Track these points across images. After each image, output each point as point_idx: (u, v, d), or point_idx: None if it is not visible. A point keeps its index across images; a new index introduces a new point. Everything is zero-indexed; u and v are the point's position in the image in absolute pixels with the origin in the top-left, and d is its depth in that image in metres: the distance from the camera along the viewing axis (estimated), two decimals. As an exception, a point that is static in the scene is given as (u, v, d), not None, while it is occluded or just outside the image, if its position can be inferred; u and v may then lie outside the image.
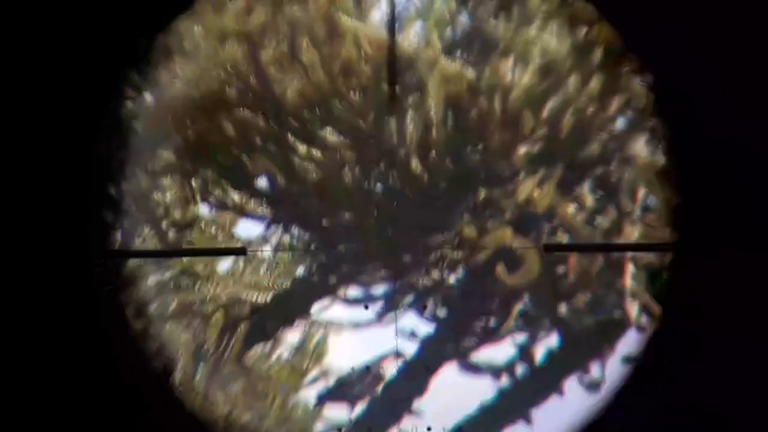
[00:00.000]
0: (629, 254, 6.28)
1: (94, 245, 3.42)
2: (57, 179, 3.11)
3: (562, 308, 7.37)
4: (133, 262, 7.85)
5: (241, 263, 8.50)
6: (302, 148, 6.86)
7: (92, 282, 3.19)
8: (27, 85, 3.08)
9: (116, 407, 3.04)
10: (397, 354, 7.75)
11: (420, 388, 7.73)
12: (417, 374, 7.78)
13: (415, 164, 6.44)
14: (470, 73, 6.30)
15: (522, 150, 6.22)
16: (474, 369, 7.31)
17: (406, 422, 7.85)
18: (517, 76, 6.15)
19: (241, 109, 6.81)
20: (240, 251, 7.64)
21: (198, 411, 6.22)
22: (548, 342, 7.72)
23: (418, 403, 7.87)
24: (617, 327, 7.15)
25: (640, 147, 5.86)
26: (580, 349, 7.43)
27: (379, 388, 7.88)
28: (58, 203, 3.04)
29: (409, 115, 6.25)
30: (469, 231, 6.51)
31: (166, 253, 7.64)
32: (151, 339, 6.18)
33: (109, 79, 3.32)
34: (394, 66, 4.72)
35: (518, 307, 7.30)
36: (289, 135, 6.81)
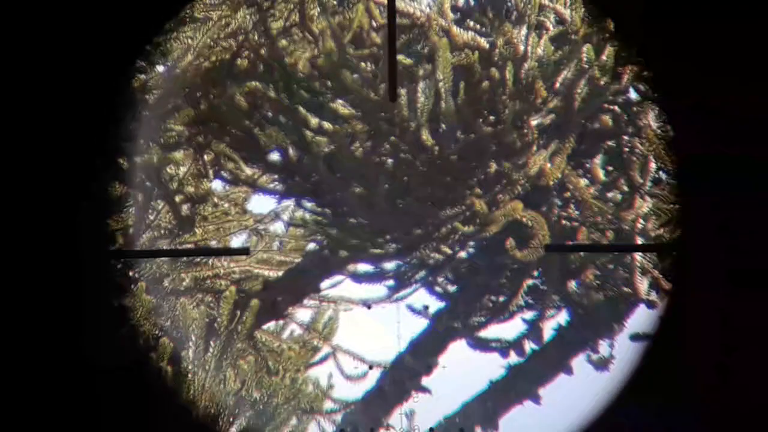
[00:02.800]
0: (639, 227, 6.23)
1: (96, 245, 3.41)
2: (58, 178, 3.13)
3: (571, 284, 7.34)
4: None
5: (254, 239, 8.52)
6: (313, 120, 6.84)
7: (92, 282, 3.19)
8: (36, 63, 3.10)
9: (116, 407, 3.05)
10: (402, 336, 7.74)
11: (427, 367, 7.71)
12: (424, 355, 7.76)
13: (426, 136, 6.40)
14: (483, 42, 6.26)
15: (534, 121, 6.17)
16: (483, 345, 7.29)
17: (414, 400, 7.84)
18: (530, 46, 6.10)
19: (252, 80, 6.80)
20: (242, 251, 7.65)
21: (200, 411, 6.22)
22: (557, 319, 7.69)
23: (426, 382, 7.87)
24: (626, 303, 7.10)
25: (652, 118, 5.80)
26: (589, 327, 7.39)
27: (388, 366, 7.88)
28: (59, 202, 3.06)
29: (420, 86, 6.22)
30: (480, 204, 6.47)
31: (167, 253, 7.62)
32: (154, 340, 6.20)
33: (122, 55, 3.32)
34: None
35: (528, 282, 7.26)
36: (300, 107, 6.79)
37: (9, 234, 3.08)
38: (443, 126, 6.18)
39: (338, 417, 7.82)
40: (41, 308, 3.11)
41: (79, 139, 3.27)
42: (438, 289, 7.81)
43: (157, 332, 7.68)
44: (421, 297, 7.88)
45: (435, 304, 7.83)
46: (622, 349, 7.40)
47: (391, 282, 7.61)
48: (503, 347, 7.16)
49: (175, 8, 4.10)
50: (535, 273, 7.37)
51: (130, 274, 7.67)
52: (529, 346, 7.30)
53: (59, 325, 3.13)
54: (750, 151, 3.11)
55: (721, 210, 3.15)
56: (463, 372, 7.73)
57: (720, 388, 3.11)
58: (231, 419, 7.05)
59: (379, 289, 7.76)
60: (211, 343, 7.27)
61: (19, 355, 3.05)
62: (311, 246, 8.12)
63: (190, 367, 6.98)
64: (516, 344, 7.15)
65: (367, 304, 7.89)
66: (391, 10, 5.56)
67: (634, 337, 6.81)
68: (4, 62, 3.09)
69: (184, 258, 8.30)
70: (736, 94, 3.20)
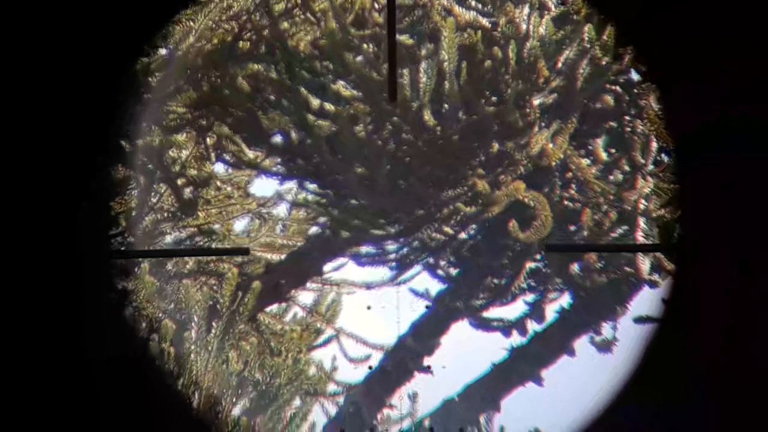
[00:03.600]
0: (641, 207, 6.22)
1: (96, 245, 3.41)
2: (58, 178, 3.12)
3: (574, 267, 7.34)
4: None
5: (257, 223, 8.53)
6: (315, 101, 6.83)
7: (92, 282, 3.19)
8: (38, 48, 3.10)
9: (115, 403, 3.05)
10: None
11: (429, 348, 7.72)
12: (426, 336, 7.77)
13: (428, 116, 6.40)
14: (485, 22, 6.24)
15: (536, 101, 6.15)
16: (485, 324, 7.29)
17: (416, 382, 7.86)
18: (532, 25, 6.09)
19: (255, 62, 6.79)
20: (243, 251, 7.65)
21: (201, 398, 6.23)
22: (559, 301, 7.69)
23: (429, 362, 7.87)
24: (629, 285, 7.10)
25: (653, 98, 5.79)
26: (592, 309, 7.39)
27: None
28: (60, 201, 3.05)
29: (423, 66, 6.21)
30: (483, 184, 6.47)
31: (168, 253, 7.62)
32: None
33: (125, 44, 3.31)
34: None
35: (530, 264, 7.26)
36: (302, 88, 6.79)
37: (8, 232, 3.09)
38: (445, 106, 6.17)
39: (341, 399, 7.84)
40: (40, 305, 3.11)
41: (80, 134, 3.26)
42: (440, 272, 7.82)
43: (160, 314, 7.71)
44: (423, 280, 7.89)
45: (437, 287, 7.84)
46: (625, 331, 7.40)
47: (393, 264, 7.62)
48: (505, 326, 7.17)
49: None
50: (538, 256, 7.38)
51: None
52: (531, 326, 7.31)
53: (58, 322, 3.13)
54: (752, 111, 3.08)
55: (725, 172, 3.13)
56: (465, 354, 7.74)
57: (727, 359, 3.10)
58: (234, 399, 7.08)
59: (381, 272, 7.76)
60: (214, 324, 7.29)
61: (18, 352, 3.06)
62: (314, 229, 8.13)
63: (192, 348, 7.00)
64: (518, 324, 7.16)
65: (368, 306, 7.90)
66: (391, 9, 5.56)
67: (639, 320, 6.81)
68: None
69: (188, 242, 8.32)
70: (735, 57, 3.18)
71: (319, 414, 7.62)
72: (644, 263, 6.42)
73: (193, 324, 7.34)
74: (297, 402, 7.52)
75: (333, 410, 7.66)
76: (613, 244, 6.99)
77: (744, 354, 2.98)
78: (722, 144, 3.10)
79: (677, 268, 3.41)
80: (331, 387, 7.91)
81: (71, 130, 3.14)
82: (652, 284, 6.64)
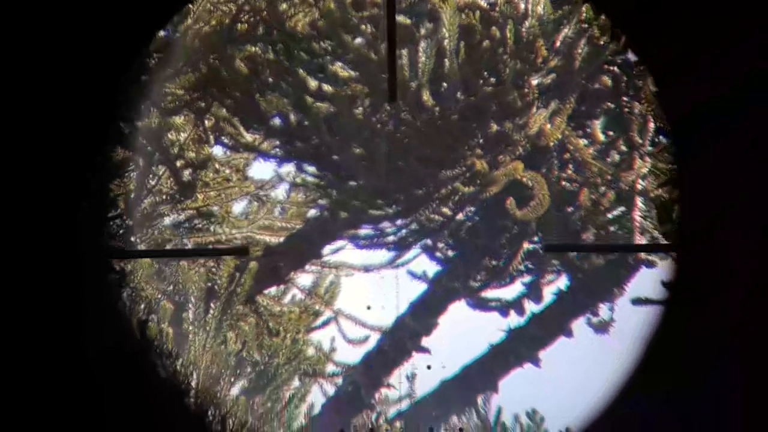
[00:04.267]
0: (639, 187, 6.25)
1: (96, 245, 3.41)
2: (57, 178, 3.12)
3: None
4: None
5: (255, 205, 8.55)
6: (313, 82, 6.84)
7: (92, 282, 3.20)
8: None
9: (118, 407, 3.06)
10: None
11: (427, 327, 7.75)
12: (424, 316, 7.80)
13: (427, 96, 6.41)
14: (482, 3, 6.25)
15: (535, 81, 6.16)
16: (482, 304, 7.32)
17: (415, 360, 7.89)
18: (530, 4, 6.09)
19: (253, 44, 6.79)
20: (243, 251, 7.66)
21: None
22: (557, 283, 7.72)
23: (427, 342, 7.91)
24: (627, 267, 7.13)
25: (650, 79, 5.79)
26: (589, 290, 7.42)
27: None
28: (58, 198, 3.05)
29: (421, 45, 6.21)
30: (481, 164, 6.49)
31: (168, 253, 7.63)
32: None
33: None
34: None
35: (527, 246, 7.29)
36: (300, 70, 6.79)
37: (7, 231, 3.09)
38: (444, 85, 6.18)
39: (339, 380, 7.88)
40: (39, 304, 3.12)
41: (79, 133, 3.27)
42: (438, 254, 7.84)
43: (158, 295, 7.74)
44: (421, 262, 7.92)
45: (435, 269, 7.87)
46: (623, 313, 7.44)
47: (391, 246, 7.64)
48: (503, 306, 7.20)
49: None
50: (535, 238, 7.40)
51: (132, 240, 7.71)
52: (528, 306, 7.34)
53: (57, 320, 3.14)
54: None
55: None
56: (463, 335, 7.77)
57: (752, 327, 3.08)
58: (232, 379, 7.11)
59: (379, 255, 7.79)
60: (212, 305, 7.32)
61: (16, 350, 3.07)
62: (312, 212, 8.16)
63: (190, 328, 7.03)
64: (516, 304, 7.19)
65: (368, 306, 7.93)
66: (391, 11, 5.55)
67: (637, 302, 6.84)
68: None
69: (186, 224, 8.34)
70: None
71: (318, 395, 7.66)
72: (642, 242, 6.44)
73: (190, 305, 7.36)
74: (296, 383, 7.55)
75: (331, 391, 7.70)
76: (612, 244, 7.03)
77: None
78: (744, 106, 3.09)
79: (684, 245, 3.39)
80: (330, 368, 7.95)
81: (71, 130, 3.15)
82: (650, 264, 6.67)
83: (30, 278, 3.07)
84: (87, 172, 3.32)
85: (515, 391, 7.83)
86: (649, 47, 3.37)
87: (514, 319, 7.49)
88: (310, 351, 7.90)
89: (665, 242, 5.50)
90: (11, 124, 3.07)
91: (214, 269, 7.96)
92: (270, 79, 7.31)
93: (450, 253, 7.76)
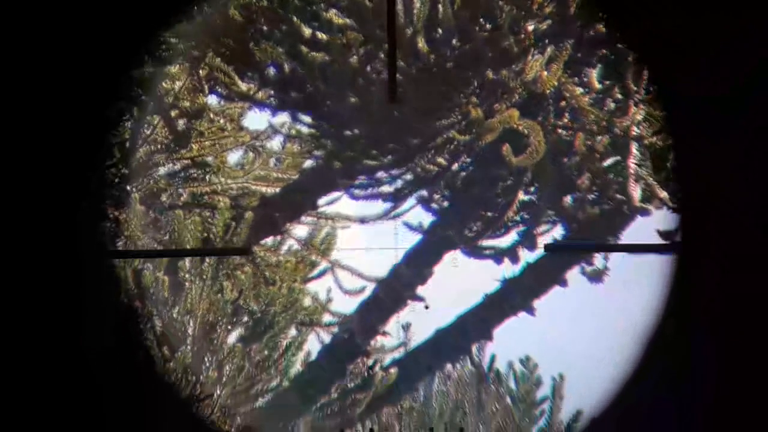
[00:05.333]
0: (633, 133, 6.24)
1: (95, 245, 3.40)
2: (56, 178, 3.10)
3: (567, 199, 7.37)
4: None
5: (251, 155, 8.53)
6: (307, 31, 6.79)
7: (91, 281, 3.18)
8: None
9: (118, 407, 3.07)
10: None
11: (422, 277, 7.79)
12: (420, 262, 7.83)
13: (422, 44, 6.37)
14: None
15: (531, 27, 6.12)
16: (477, 253, 7.35)
17: (411, 308, 7.94)
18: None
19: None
20: (243, 251, 7.64)
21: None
22: (552, 233, 7.74)
23: (421, 291, 7.95)
24: (621, 216, 7.14)
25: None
26: (585, 239, 7.44)
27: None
28: (59, 198, 3.03)
29: (416, -8, 6.16)
30: (477, 111, 6.46)
31: (168, 253, 7.61)
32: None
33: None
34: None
35: (522, 196, 7.29)
36: (294, 17, 6.73)
37: (6, 230, 3.08)
38: (440, 31, 6.14)
39: (336, 329, 7.93)
40: (40, 303, 3.12)
41: (78, 134, 3.25)
42: (434, 205, 7.85)
43: (154, 245, 7.75)
44: (417, 214, 7.93)
45: (431, 220, 7.88)
46: (616, 262, 7.47)
47: (387, 197, 7.64)
48: (497, 254, 7.23)
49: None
50: (531, 189, 7.40)
51: (127, 188, 7.71)
52: (523, 255, 7.37)
53: (56, 320, 3.14)
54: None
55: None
56: (458, 283, 7.81)
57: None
58: (229, 327, 7.16)
59: (375, 206, 7.79)
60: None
61: (16, 349, 3.07)
62: (308, 163, 8.14)
63: (187, 277, 7.06)
64: (510, 252, 7.21)
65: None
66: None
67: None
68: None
69: (182, 174, 8.33)
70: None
71: (315, 343, 7.72)
72: (636, 191, 6.46)
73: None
74: (292, 332, 7.61)
75: (327, 339, 7.76)
76: (612, 244, 7.05)
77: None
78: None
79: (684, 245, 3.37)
80: (326, 317, 7.99)
81: (70, 130, 3.13)
82: (644, 212, 6.69)
83: (29, 278, 3.08)
84: (87, 171, 3.32)
85: (510, 340, 7.90)
86: (648, 45, 3.35)
87: (509, 269, 7.52)
88: (307, 301, 7.94)
89: (663, 241, 5.56)
90: (11, 124, 3.07)
91: (210, 219, 7.97)
92: (264, 27, 7.25)
93: (445, 204, 7.76)
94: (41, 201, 3.10)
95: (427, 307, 7.66)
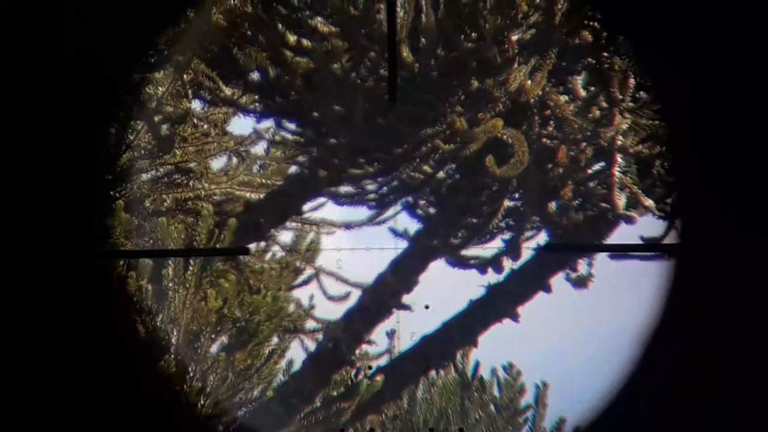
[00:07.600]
0: (618, 143, 6.25)
1: (93, 244, 3.37)
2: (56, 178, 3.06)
3: (551, 205, 7.37)
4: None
5: (234, 161, 8.49)
6: (292, 38, 6.76)
7: (90, 281, 3.15)
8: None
9: (119, 407, 3.04)
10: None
11: (408, 285, 7.78)
12: (406, 270, 7.82)
13: (406, 53, 6.35)
14: (462, -44, 6.16)
15: (515, 37, 6.11)
16: (462, 262, 7.34)
17: (395, 317, 7.94)
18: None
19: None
20: (243, 251, 7.62)
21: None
22: (536, 239, 7.74)
23: (407, 299, 7.94)
24: (606, 222, 7.15)
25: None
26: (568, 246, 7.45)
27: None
28: (59, 199, 2.99)
29: (400, 0, 6.14)
30: (461, 122, 6.46)
31: (167, 253, 7.57)
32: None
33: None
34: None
35: (507, 203, 7.29)
36: (279, 24, 6.70)
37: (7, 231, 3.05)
38: (423, 41, 6.13)
39: (320, 336, 7.91)
40: (37, 302, 3.08)
41: (77, 135, 3.21)
42: (419, 211, 7.84)
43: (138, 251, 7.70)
44: (402, 220, 7.92)
45: (416, 227, 7.87)
46: (601, 268, 7.48)
47: (372, 204, 7.63)
48: (482, 263, 7.23)
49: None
50: (516, 195, 7.40)
51: (111, 194, 7.65)
52: (507, 264, 7.37)
53: (54, 319, 3.11)
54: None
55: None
56: (443, 291, 7.81)
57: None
58: (213, 336, 7.13)
59: (360, 212, 7.78)
60: (191, 261, 7.30)
61: (15, 348, 3.04)
62: (293, 168, 8.11)
63: (170, 285, 7.02)
64: (494, 261, 7.21)
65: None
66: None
67: (614, 256, 6.88)
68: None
69: (165, 179, 8.28)
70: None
71: (299, 351, 7.70)
72: (620, 199, 6.47)
73: (170, 261, 7.34)
74: (275, 339, 7.59)
75: (312, 347, 7.74)
76: (612, 244, 7.05)
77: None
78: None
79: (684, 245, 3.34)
80: (311, 324, 7.98)
81: (70, 130, 3.10)
82: (629, 220, 6.70)
83: (27, 276, 3.05)
84: (87, 171, 3.30)
85: (493, 346, 7.90)
86: (647, 47, 3.34)
87: (494, 276, 7.53)
88: (291, 307, 7.91)
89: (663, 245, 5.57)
90: (11, 124, 3.04)
91: (193, 226, 7.92)
92: (248, 33, 7.21)
93: (431, 210, 7.75)
94: (40, 200, 3.08)
95: (427, 307, 7.66)
